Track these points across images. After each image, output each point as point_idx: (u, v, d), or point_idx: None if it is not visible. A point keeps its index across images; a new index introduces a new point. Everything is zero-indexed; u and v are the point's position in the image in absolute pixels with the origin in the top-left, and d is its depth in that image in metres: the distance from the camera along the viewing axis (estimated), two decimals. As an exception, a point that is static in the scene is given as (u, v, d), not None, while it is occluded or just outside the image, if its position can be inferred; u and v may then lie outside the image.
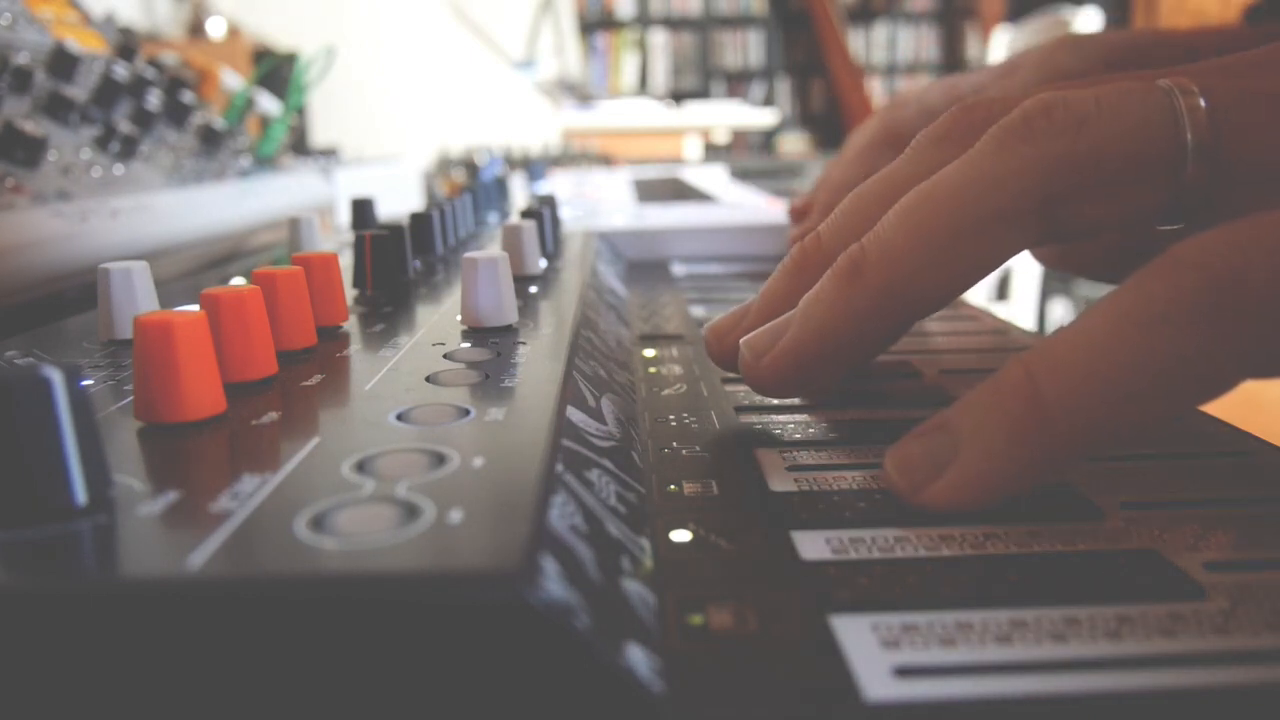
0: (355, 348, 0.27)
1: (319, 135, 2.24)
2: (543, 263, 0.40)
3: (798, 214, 0.54)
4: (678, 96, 4.13)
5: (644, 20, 4.45)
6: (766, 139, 4.40)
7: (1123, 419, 0.18)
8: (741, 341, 0.24)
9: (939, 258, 0.22)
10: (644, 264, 0.54)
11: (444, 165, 1.56)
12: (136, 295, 0.28)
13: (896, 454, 0.20)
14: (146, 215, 0.47)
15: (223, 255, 0.56)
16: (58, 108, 0.48)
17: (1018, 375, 0.18)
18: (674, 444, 0.24)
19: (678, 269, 0.53)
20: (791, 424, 0.25)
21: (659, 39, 4.46)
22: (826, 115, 4.55)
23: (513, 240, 0.38)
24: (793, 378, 0.24)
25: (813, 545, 0.18)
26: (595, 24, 4.42)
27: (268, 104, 0.94)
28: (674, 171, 1.30)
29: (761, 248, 0.56)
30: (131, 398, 0.20)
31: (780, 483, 0.21)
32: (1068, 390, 0.18)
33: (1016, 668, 0.14)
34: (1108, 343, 0.18)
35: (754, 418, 0.26)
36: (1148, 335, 0.17)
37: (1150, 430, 0.19)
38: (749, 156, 3.77)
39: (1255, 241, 0.17)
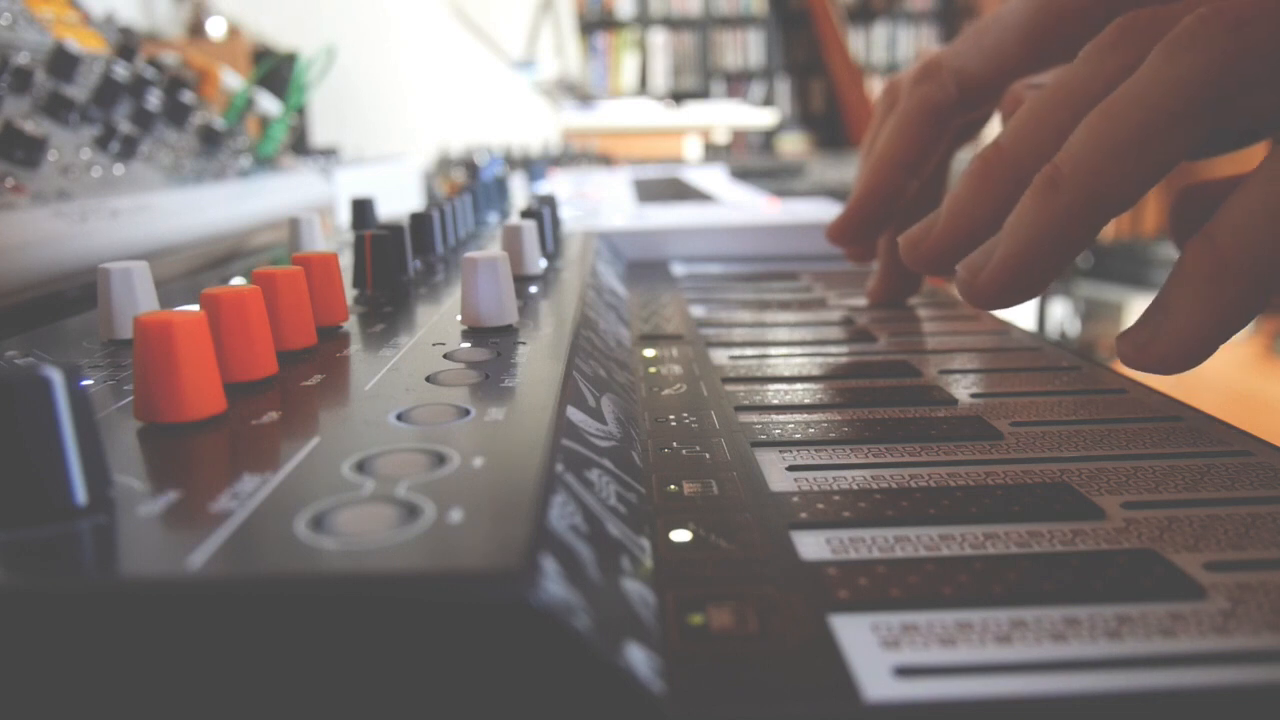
0: (355, 348, 0.27)
1: (319, 135, 2.23)
2: (543, 263, 0.40)
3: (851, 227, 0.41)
4: (678, 96, 4.13)
5: (644, 20, 4.45)
6: (766, 139, 4.41)
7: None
8: (959, 265, 0.28)
9: (1126, 165, 0.24)
10: (644, 264, 0.54)
11: (444, 165, 1.56)
12: (136, 295, 0.28)
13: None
14: (146, 215, 0.47)
15: (223, 255, 0.56)
16: (58, 108, 0.48)
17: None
18: (674, 444, 0.24)
19: (678, 269, 0.53)
20: (791, 424, 0.25)
21: (659, 39, 4.46)
22: (826, 115, 4.55)
23: (513, 240, 0.38)
24: (1008, 288, 0.26)
25: (813, 545, 0.18)
26: (595, 24, 4.42)
27: (268, 104, 0.94)
28: (674, 171, 1.30)
29: (761, 248, 0.56)
30: (131, 398, 0.20)
31: (780, 483, 0.21)
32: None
33: (1016, 668, 0.14)
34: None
35: (754, 418, 0.26)
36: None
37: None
38: (749, 156, 3.77)
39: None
